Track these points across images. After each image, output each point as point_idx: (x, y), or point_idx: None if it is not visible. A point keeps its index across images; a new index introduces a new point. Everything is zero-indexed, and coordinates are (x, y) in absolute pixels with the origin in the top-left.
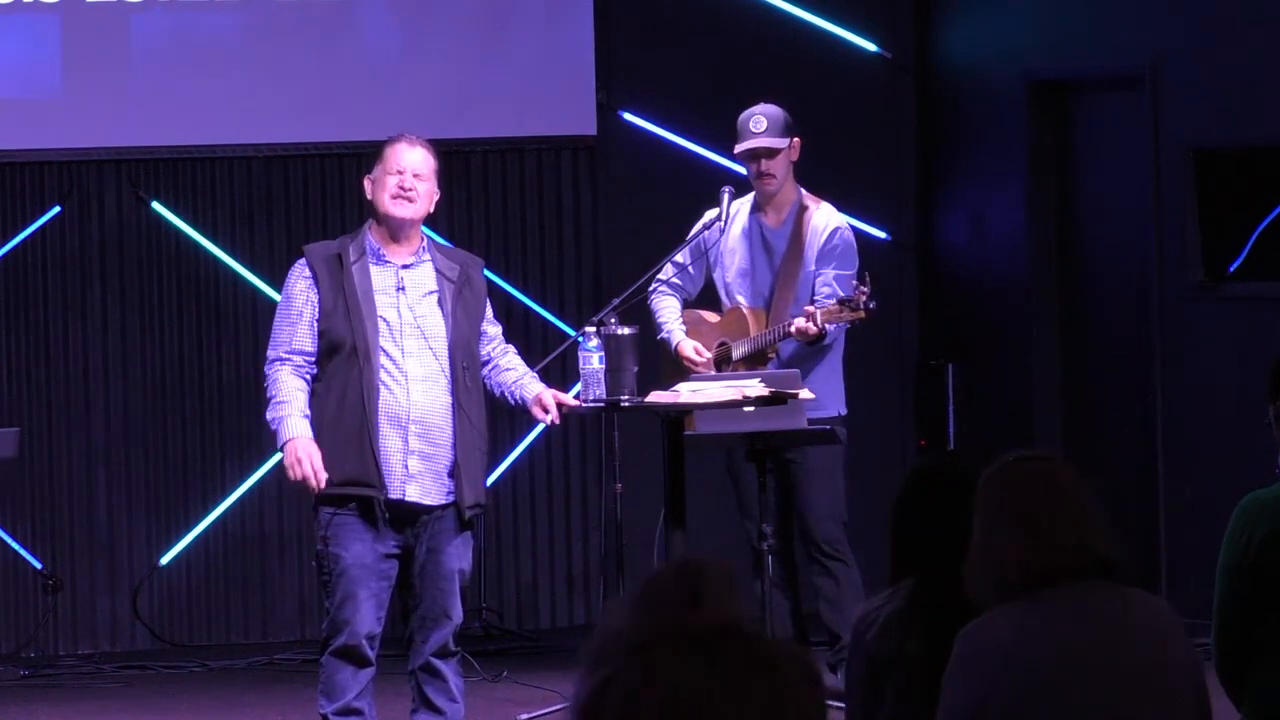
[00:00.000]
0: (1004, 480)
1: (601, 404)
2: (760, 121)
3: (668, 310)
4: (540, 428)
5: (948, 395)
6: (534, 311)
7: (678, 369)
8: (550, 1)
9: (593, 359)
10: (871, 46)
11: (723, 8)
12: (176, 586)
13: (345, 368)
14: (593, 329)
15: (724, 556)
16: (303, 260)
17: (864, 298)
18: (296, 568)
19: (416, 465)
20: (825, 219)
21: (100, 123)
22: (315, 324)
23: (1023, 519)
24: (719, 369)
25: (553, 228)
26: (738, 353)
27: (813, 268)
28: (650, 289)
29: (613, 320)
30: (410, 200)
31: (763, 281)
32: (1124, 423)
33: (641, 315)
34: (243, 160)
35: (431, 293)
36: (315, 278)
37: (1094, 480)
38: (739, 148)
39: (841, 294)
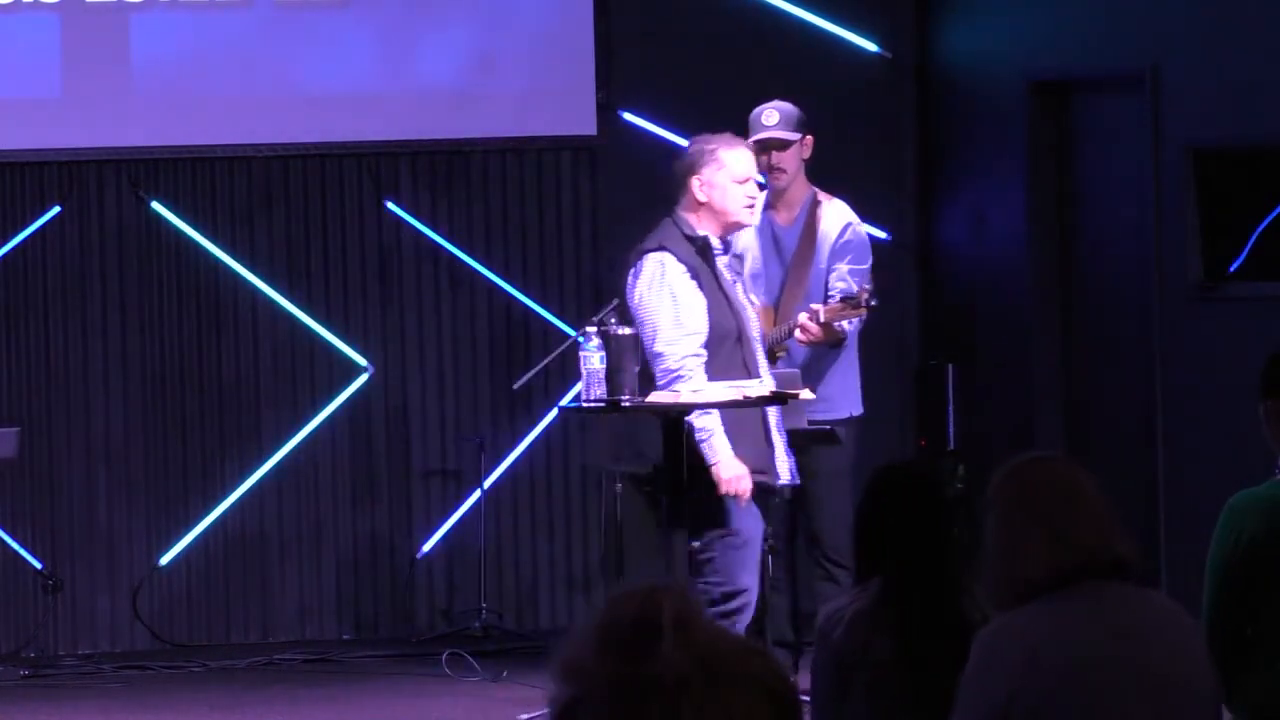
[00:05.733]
0: (1020, 481)
1: (602, 404)
2: (772, 115)
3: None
4: (540, 428)
5: (948, 395)
6: (534, 311)
7: None
8: (550, 1)
9: (593, 359)
10: (871, 46)
11: (723, 7)
12: (176, 586)
13: (732, 356)
14: (593, 329)
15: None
16: (668, 254)
17: (866, 295)
18: (296, 568)
19: (780, 447)
20: (837, 215)
21: (100, 123)
22: (707, 314)
23: (1043, 519)
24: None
25: (553, 228)
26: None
27: (824, 265)
28: None
29: (613, 320)
30: (754, 209)
31: (774, 280)
32: (1124, 423)
33: None
34: (243, 160)
35: (735, 281)
36: (692, 271)
37: (1093, 480)
38: (749, 140)
39: (854, 288)
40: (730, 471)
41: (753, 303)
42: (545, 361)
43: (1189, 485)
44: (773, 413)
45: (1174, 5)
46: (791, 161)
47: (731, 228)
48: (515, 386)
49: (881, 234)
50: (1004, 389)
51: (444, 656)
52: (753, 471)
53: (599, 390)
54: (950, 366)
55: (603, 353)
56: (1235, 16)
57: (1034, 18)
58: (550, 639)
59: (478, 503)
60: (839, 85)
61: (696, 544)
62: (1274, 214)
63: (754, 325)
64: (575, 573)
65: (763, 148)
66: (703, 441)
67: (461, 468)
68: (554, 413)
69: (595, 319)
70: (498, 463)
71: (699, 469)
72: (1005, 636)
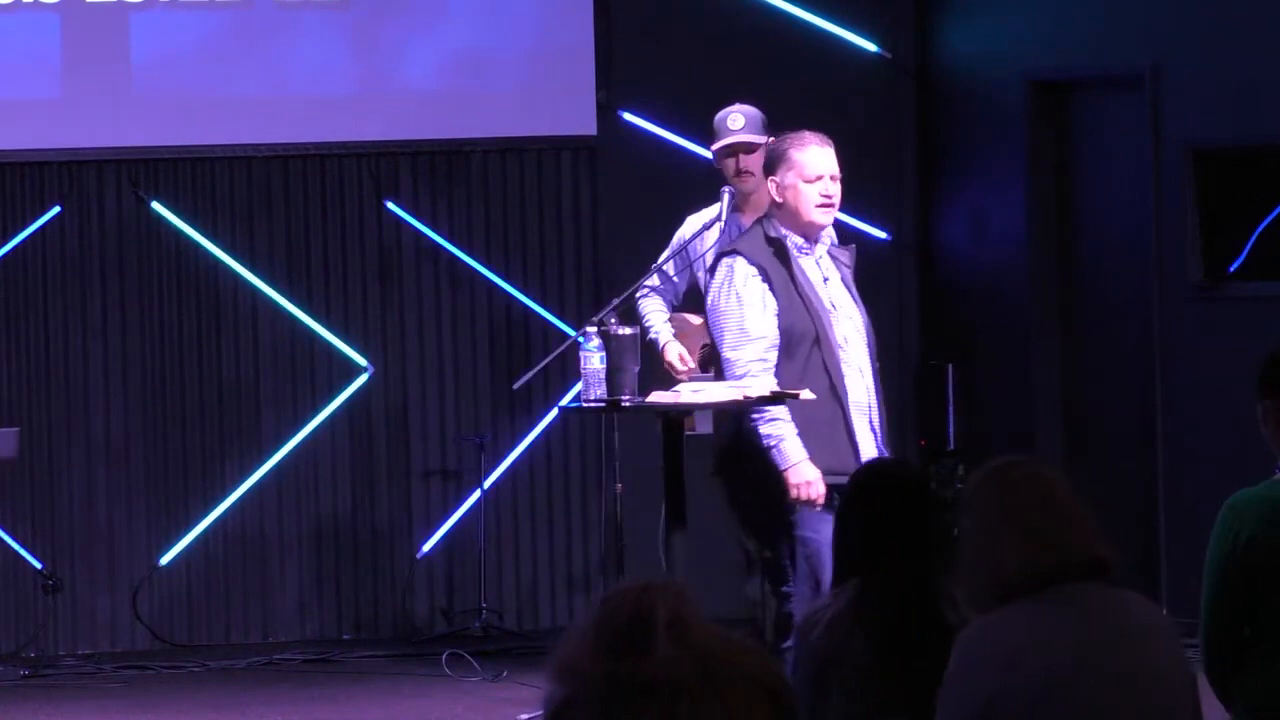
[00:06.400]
0: (997, 485)
1: (602, 404)
2: (738, 119)
3: (654, 314)
4: (540, 428)
5: (948, 395)
6: (534, 311)
7: (665, 373)
8: (550, 1)
9: (593, 359)
10: (871, 46)
11: (723, 8)
12: (176, 586)
13: (809, 357)
14: (593, 329)
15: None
16: (739, 257)
17: None
18: (297, 568)
19: (868, 450)
20: None
21: (100, 123)
22: (776, 318)
23: (1021, 522)
24: (704, 370)
25: (553, 228)
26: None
27: None
28: (639, 293)
29: (613, 320)
30: (833, 206)
31: None
32: (1124, 423)
33: None
34: (243, 160)
35: (829, 279)
36: (764, 273)
37: (1094, 480)
38: (717, 145)
39: None
40: (800, 477)
41: (832, 306)
42: (545, 361)
43: (1189, 485)
44: (860, 413)
45: (1174, 5)
46: (758, 164)
47: (807, 227)
48: (515, 386)
49: (881, 234)
50: (1004, 389)
51: (444, 656)
52: (826, 473)
53: (599, 390)
54: (950, 366)
55: (603, 353)
56: (1235, 16)
57: (1034, 18)
58: (550, 639)
59: (478, 503)
60: (839, 85)
61: (768, 553)
62: (1274, 214)
63: (849, 327)
64: (575, 573)
65: (729, 152)
66: (772, 449)
67: (461, 468)
68: (554, 413)
69: (595, 319)
70: (498, 463)
71: (764, 479)
72: (986, 638)
